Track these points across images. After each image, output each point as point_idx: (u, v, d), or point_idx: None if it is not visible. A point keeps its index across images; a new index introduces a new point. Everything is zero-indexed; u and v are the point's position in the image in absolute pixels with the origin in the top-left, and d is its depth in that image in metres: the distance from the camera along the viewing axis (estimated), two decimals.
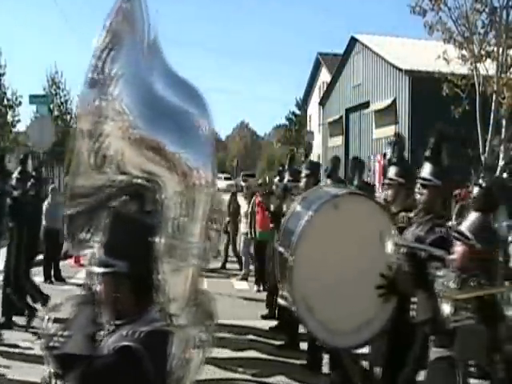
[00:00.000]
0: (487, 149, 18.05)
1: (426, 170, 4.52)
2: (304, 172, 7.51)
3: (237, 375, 6.54)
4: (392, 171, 5.17)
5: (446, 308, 3.48)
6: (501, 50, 17.95)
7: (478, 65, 18.21)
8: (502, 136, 18.34)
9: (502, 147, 18.15)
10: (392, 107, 28.36)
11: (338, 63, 35.36)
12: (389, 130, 29.18)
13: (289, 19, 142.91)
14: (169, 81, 3.44)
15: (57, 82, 35.97)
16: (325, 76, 40.10)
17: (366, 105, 31.28)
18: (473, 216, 3.58)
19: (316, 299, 4.74)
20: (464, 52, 18.35)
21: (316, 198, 5.21)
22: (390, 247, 4.24)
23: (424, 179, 4.48)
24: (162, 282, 2.62)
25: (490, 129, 18.07)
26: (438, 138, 4.58)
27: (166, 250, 2.75)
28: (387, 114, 28.79)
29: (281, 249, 5.15)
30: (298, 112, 51.31)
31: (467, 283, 3.41)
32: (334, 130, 36.41)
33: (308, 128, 43.59)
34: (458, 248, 3.56)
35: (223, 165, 77.52)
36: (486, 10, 18.08)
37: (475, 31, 18.31)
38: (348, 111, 34.31)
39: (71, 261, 13.00)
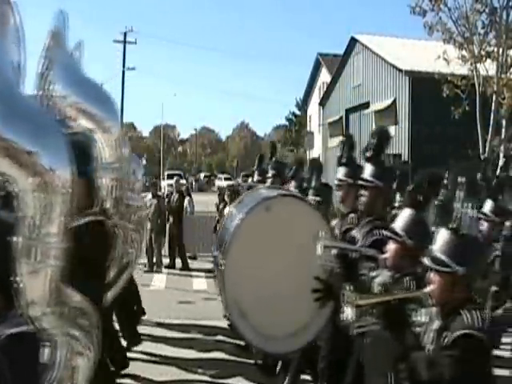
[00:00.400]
0: (487, 149, 18.06)
1: (367, 171, 4.43)
2: (270, 172, 7.46)
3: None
4: (341, 172, 5.06)
5: (350, 313, 3.44)
6: (501, 50, 17.96)
7: (478, 65, 18.22)
8: (502, 136, 18.35)
9: (502, 147, 18.16)
10: (392, 108, 28.37)
11: (338, 63, 35.36)
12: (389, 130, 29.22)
13: (289, 19, 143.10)
14: (69, 81, 3.71)
15: None
16: (325, 76, 40.09)
17: (366, 105, 31.27)
18: (405, 213, 3.52)
19: (249, 303, 4.63)
20: (464, 52, 18.36)
21: (249, 200, 5.14)
22: (319, 249, 4.13)
23: (365, 180, 4.39)
24: (20, 285, 2.55)
25: (490, 129, 18.08)
26: (379, 139, 4.47)
27: (23, 250, 2.72)
28: (387, 115, 28.78)
29: (215, 253, 5.14)
30: (298, 112, 51.34)
31: (399, 282, 3.37)
32: (334, 131, 36.39)
33: (308, 128, 43.59)
34: (390, 246, 3.52)
35: (223, 165, 77.58)
36: (486, 10, 18.09)
37: (475, 31, 18.32)
38: (348, 112, 34.30)
39: None
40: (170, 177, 36.50)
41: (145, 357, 7.02)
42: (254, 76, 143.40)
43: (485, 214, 5.15)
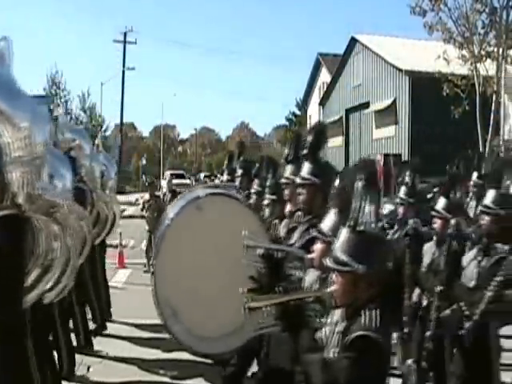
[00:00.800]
0: (487, 149, 18.07)
1: (304, 169, 4.36)
2: (238, 171, 7.42)
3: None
4: (287, 170, 4.99)
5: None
6: (501, 50, 17.97)
7: (478, 65, 18.23)
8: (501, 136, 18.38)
9: (502, 147, 18.18)
10: (392, 107, 28.38)
11: (338, 63, 35.37)
12: (389, 130, 29.23)
13: (289, 19, 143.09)
14: None
15: (57, 83, 36.09)
16: (325, 76, 40.10)
17: (366, 105, 31.29)
18: (331, 214, 3.47)
19: (182, 304, 4.56)
20: (464, 52, 18.37)
21: (182, 200, 5.14)
22: (243, 249, 4.06)
23: (302, 178, 4.32)
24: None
25: (490, 129, 18.09)
26: (315, 136, 4.40)
27: None
28: (387, 115, 28.81)
29: (153, 252, 5.15)
30: (298, 112, 51.31)
31: (326, 282, 3.30)
32: (334, 131, 36.39)
33: (308, 128, 43.56)
34: (317, 246, 3.48)
35: (223, 165, 77.45)
36: (486, 10, 18.11)
37: (475, 31, 18.34)
38: (348, 111, 34.32)
39: None
40: (173, 176, 36.66)
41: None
42: (254, 76, 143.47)
43: (437, 212, 5.11)
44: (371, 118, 31.15)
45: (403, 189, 6.10)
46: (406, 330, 4.96)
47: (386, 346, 2.70)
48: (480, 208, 4.56)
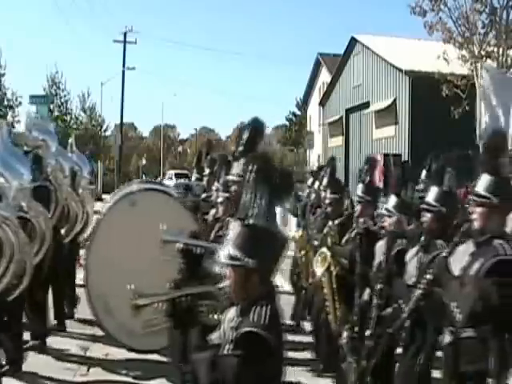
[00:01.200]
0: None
1: (235, 169, 4.38)
2: (206, 170, 7.40)
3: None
4: (234, 168, 4.88)
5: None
6: (501, 50, 17.96)
7: (478, 65, 18.22)
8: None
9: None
10: (392, 107, 28.36)
11: (338, 63, 35.35)
12: (389, 130, 29.22)
13: (289, 19, 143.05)
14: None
15: (57, 83, 36.04)
16: (325, 76, 40.08)
17: (366, 105, 31.27)
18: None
19: (113, 299, 4.51)
20: (464, 52, 18.36)
21: (118, 194, 5.12)
22: (161, 244, 4.04)
23: (232, 178, 4.34)
24: None
25: None
26: (251, 133, 4.39)
27: None
28: (387, 115, 28.79)
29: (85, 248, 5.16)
30: (298, 112, 51.29)
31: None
32: (334, 131, 36.39)
33: (308, 128, 43.57)
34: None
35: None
36: (486, 10, 18.10)
37: (475, 31, 18.32)
38: (348, 111, 34.29)
39: None
40: (177, 176, 36.72)
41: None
42: (253, 76, 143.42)
43: (388, 210, 5.04)
44: (371, 118, 31.13)
45: (361, 186, 5.93)
46: (355, 329, 4.85)
47: (274, 343, 2.63)
48: (422, 205, 4.51)
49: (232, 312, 2.84)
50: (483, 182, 3.74)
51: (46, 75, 35.70)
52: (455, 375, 3.54)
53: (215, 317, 3.25)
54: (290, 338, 8.08)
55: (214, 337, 2.80)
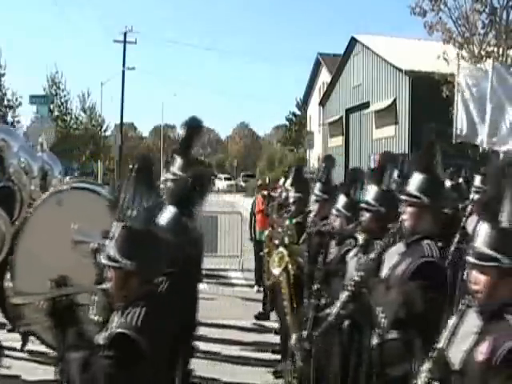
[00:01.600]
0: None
1: (175, 165, 4.41)
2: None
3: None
4: (176, 165, 4.95)
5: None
6: (501, 50, 17.95)
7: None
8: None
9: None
10: (392, 107, 28.37)
11: (338, 63, 35.37)
12: (389, 130, 29.23)
13: (288, 19, 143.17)
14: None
15: (57, 83, 35.99)
16: (325, 76, 40.09)
17: (366, 105, 31.28)
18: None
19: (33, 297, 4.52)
20: (464, 52, 18.35)
21: (48, 192, 5.08)
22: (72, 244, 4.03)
23: (173, 174, 4.38)
24: None
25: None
26: (188, 131, 4.38)
27: None
28: (387, 115, 28.80)
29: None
30: (298, 112, 51.28)
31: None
32: (334, 131, 36.41)
33: (308, 128, 43.58)
34: None
35: (223, 165, 77.50)
36: (486, 10, 18.09)
37: (475, 31, 18.32)
38: (348, 111, 34.31)
39: None
40: None
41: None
42: (253, 76, 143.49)
43: (337, 210, 4.95)
44: (371, 118, 31.14)
45: (318, 185, 5.81)
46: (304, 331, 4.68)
47: (147, 346, 2.58)
48: (361, 204, 4.43)
49: (116, 313, 2.82)
50: (415, 182, 3.70)
51: (46, 75, 35.70)
52: (381, 377, 3.52)
53: (96, 317, 3.26)
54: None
55: (101, 337, 2.75)
